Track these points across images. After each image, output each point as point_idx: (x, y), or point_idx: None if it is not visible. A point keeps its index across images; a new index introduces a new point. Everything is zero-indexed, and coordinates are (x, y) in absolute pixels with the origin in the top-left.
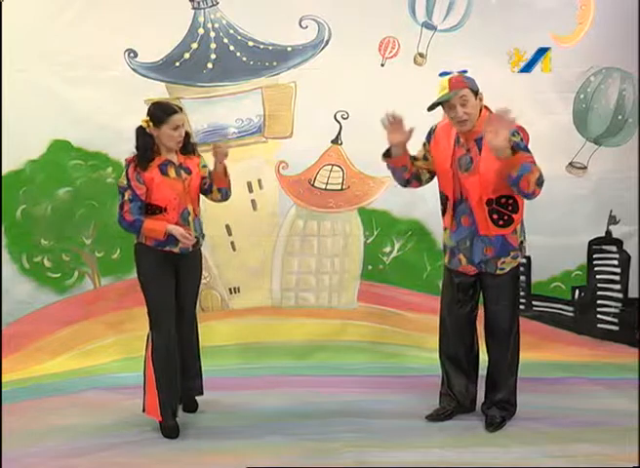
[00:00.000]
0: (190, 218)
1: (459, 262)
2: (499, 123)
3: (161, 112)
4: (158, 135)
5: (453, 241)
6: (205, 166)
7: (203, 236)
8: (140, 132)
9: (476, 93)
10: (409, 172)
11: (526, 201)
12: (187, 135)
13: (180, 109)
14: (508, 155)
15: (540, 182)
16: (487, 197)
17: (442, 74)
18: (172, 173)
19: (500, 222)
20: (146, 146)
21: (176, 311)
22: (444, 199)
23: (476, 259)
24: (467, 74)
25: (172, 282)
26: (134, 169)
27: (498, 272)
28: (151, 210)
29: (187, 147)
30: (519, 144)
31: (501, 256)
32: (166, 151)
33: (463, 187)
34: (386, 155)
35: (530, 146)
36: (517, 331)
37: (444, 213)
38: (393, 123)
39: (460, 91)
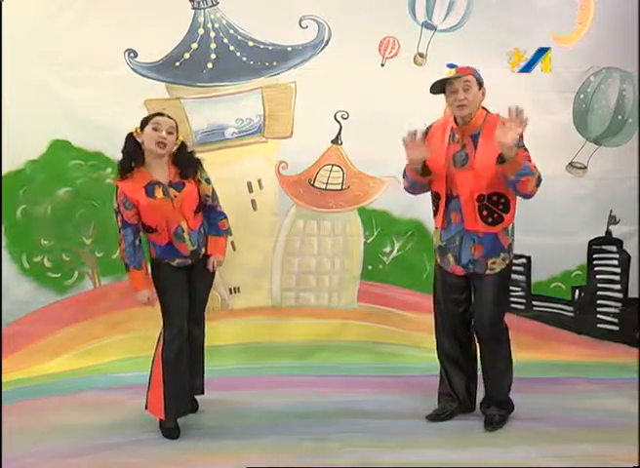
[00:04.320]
0: (185, 235)
1: (448, 262)
2: (510, 121)
3: (146, 116)
4: (143, 139)
5: (443, 240)
6: (208, 180)
7: (205, 247)
8: (128, 138)
9: (480, 84)
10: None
11: (519, 202)
12: (192, 159)
13: (171, 118)
14: (513, 155)
15: (538, 182)
16: (478, 193)
17: (449, 65)
18: (159, 194)
19: (490, 220)
20: (129, 152)
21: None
22: (436, 198)
23: (464, 260)
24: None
25: (185, 288)
26: (121, 192)
27: (488, 272)
28: (144, 228)
29: (186, 171)
30: (518, 144)
31: (492, 257)
32: (154, 165)
33: (455, 183)
34: (420, 173)
35: (530, 146)
36: (506, 332)
37: (435, 213)
38: (413, 140)
39: (464, 76)
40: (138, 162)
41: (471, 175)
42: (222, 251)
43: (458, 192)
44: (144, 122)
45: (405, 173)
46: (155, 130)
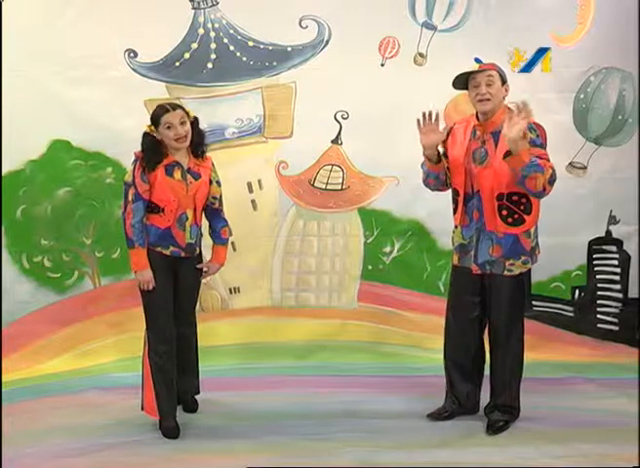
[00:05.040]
0: (187, 224)
1: (467, 260)
2: (516, 115)
3: (155, 115)
4: (161, 136)
5: (465, 238)
6: (218, 183)
7: (199, 244)
8: (146, 136)
9: (504, 81)
10: (445, 173)
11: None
12: (200, 135)
13: (177, 107)
14: (519, 149)
15: (551, 180)
16: (498, 191)
17: (476, 60)
18: (177, 175)
19: (510, 220)
20: (151, 148)
21: (175, 313)
22: (455, 195)
23: (480, 259)
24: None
25: (170, 285)
26: (140, 166)
27: (505, 273)
28: (150, 208)
29: (197, 149)
30: (534, 141)
31: (511, 258)
32: (175, 152)
33: (476, 181)
34: (432, 161)
35: None
36: (521, 336)
37: (455, 210)
38: (429, 123)
39: (488, 70)
40: (161, 156)
41: (491, 173)
42: (223, 259)
43: (479, 190)
44: (156, 121)
45: (422, 163)
46: (169, 128)
